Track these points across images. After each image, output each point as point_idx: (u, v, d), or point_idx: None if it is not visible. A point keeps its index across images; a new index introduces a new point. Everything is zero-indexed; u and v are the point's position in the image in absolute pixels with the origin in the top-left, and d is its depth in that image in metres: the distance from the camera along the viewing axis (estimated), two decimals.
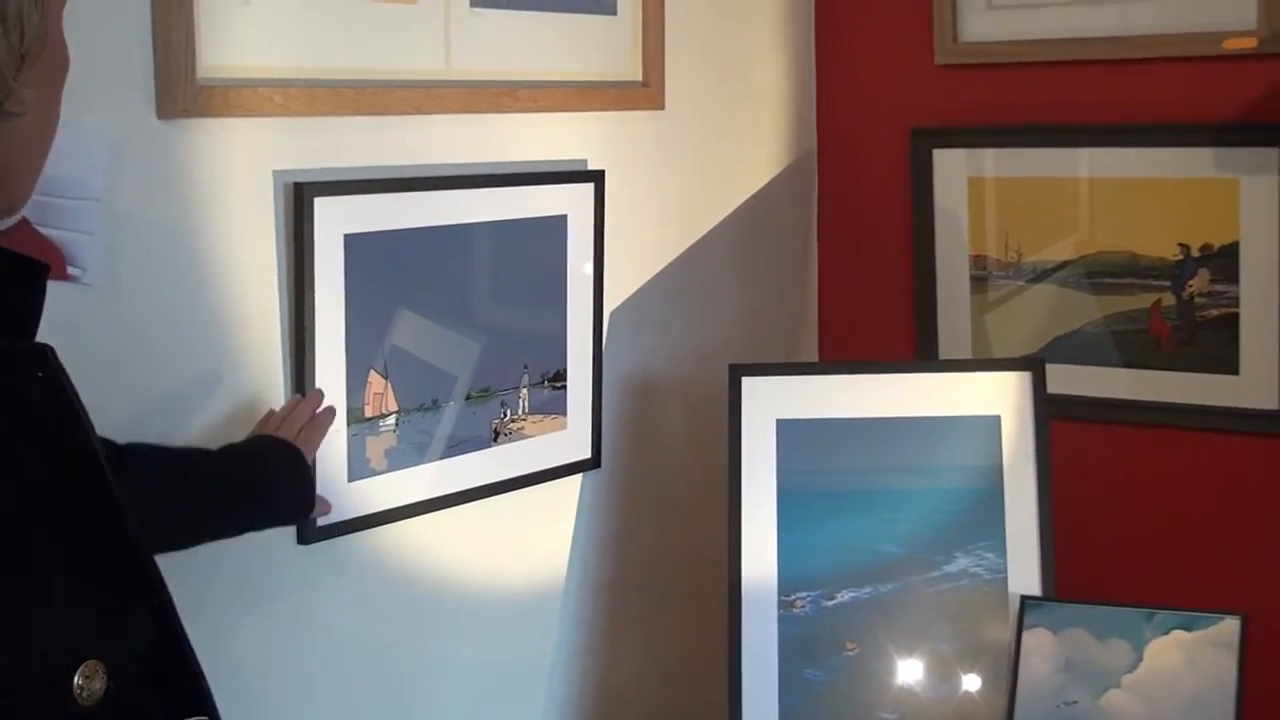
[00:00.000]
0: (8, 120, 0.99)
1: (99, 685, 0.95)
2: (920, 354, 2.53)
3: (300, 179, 1.83)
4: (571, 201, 2.17)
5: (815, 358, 2.66)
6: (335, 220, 1.86)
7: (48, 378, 0.98)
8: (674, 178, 2.38)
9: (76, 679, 0.95)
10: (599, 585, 2.31)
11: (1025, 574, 2.11)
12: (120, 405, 1.66)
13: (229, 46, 1.75)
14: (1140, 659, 2.00)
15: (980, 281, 2.49)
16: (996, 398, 2.16)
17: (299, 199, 1.83)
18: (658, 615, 2.41)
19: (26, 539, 0.92)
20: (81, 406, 1.01)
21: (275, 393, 1.84)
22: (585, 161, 2.21)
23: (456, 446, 2.05)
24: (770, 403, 2.17)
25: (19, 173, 1.02)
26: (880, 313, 2.60)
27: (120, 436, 1.59)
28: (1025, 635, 2.05)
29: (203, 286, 1.77)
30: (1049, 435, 2.14)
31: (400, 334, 1.97)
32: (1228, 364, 2.29)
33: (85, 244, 1.62)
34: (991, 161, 2.47)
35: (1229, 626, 1.97)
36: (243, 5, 1.76)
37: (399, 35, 1.94)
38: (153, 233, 1.71)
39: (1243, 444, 2.28)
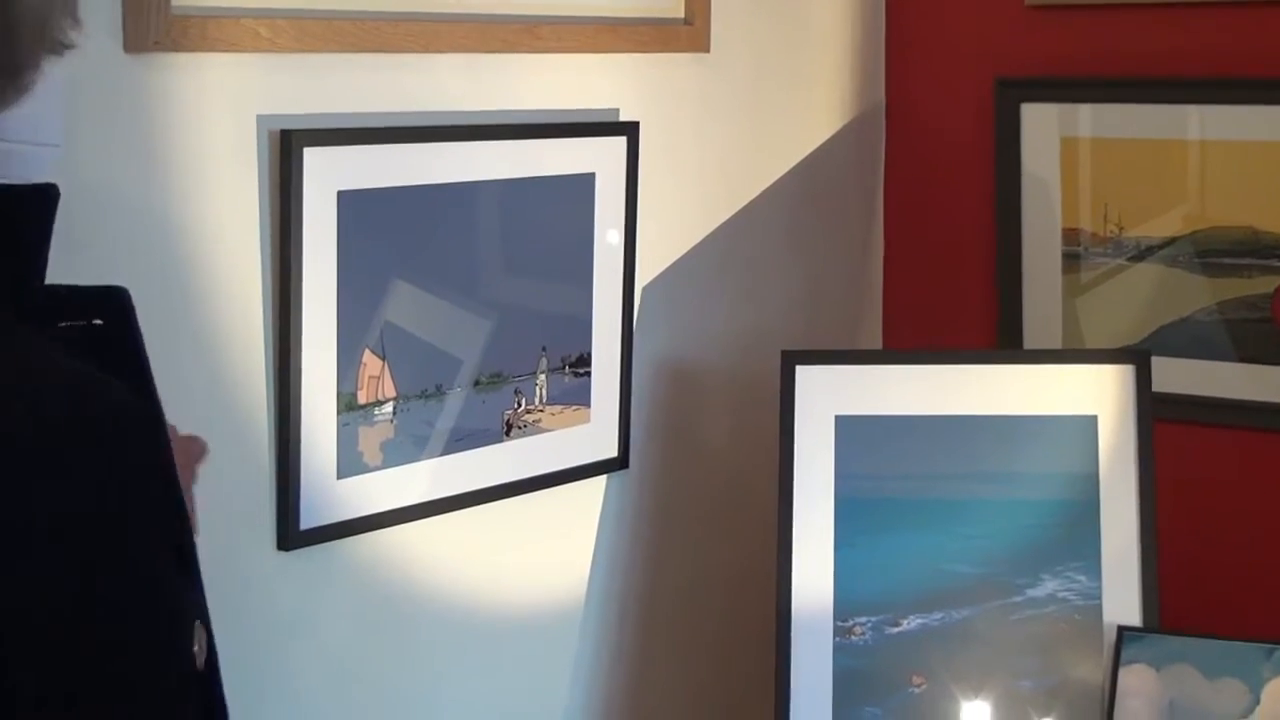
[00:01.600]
0: None
1: (201, 648, 1.10)
2: (1002, 343, 2.53)
3: (288, 125, 1.83)
4: (600, 158, 2.17)
5: (879, 344, 2.67)
6: (327, 174, 1.87)
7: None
8: (719, 132, 2.38)
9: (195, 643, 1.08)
10: (625, 604, 2.31)
11: (1123, 601, 2.11)
12: None
13: None
14: (1257, 702, 2.01)
15: (1073, 259, 2.49)
16: (1092, 395, 2.16)
17: (286, 148, 1.83)
18: (692, 640, 2.41)
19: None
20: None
21: (255, 372, 1.85)
22: (617, 111, 2.22)
23: (463, 440, 2.05)
24: (828, 396, 2.17)
25: None
26: (956, 294, 2.60)
27: None
28: (1122, 673, 2.05)
29: (173, 247, 1.77)
30: (1153, 439, 2.14)
31: (398, 310, 1.97)
32: None
33: None
34: (1089, 119, 2.47)
35: None
36: None
37: None
38: (118, 184, 1.71)
39: None
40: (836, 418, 2.17)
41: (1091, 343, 2.46)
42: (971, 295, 2.57)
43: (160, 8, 1.70)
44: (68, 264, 1.65)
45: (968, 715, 2.11)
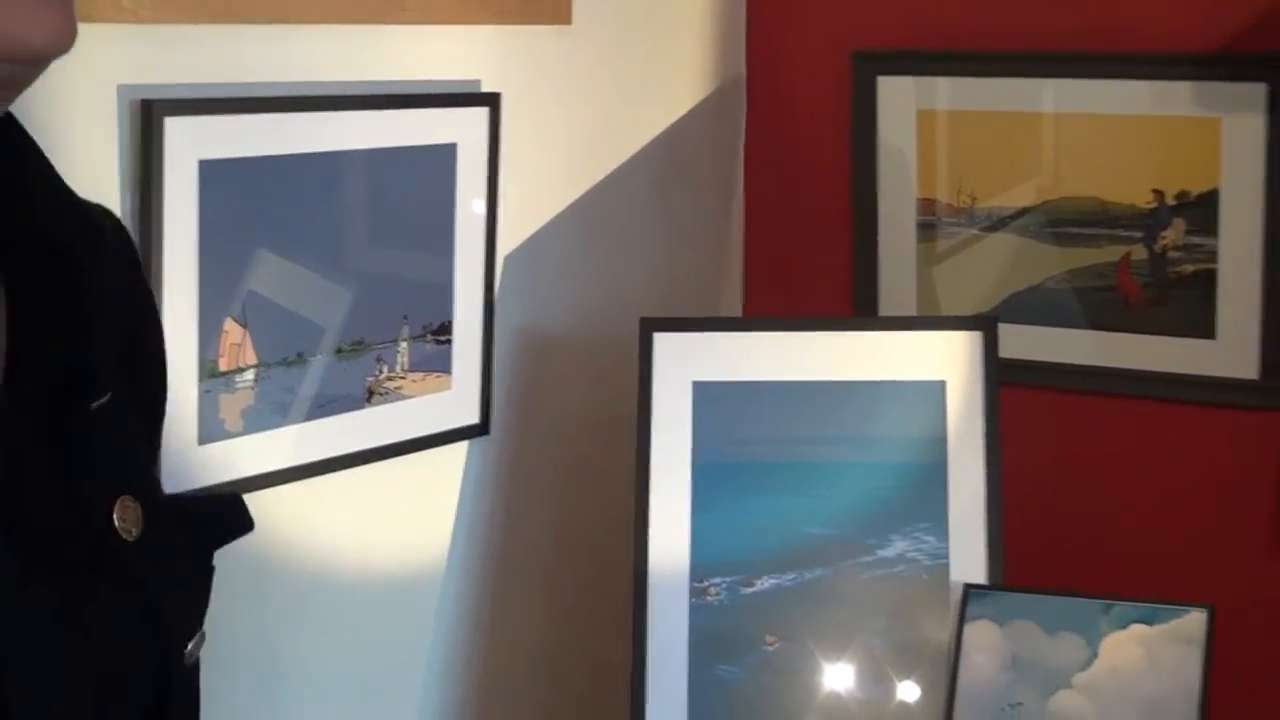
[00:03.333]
0: None
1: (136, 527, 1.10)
2: (859, 310, 2.59)
3: (149, 95, 1.85)
4: (462, 128, 2.21)
5: (739, 312, 2.72)
6: (189, 144, 1.88)
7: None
8: (581, 103, 2.42)
9: (116, 513, 1.08)
10: (486, 568, 2.35)
11: (969, 560, 2.17)
12: None
13: None
14: (1095, 655, 2.07)
15: (928, 229, 2.55)
16: (941, 361, 2.22)
17: (147, 118, 1.84)
18: (553, 602, 2.46)
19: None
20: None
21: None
22: (479, 83, 2.25)
23: (325, 407, 2.08)
24: (686, 362, 2.22)
25: None
26: (814, 262, 2.65)
27: None
28: (967, 629, 2.12)
29: None
30: (999, 404, 2.21)
31: (260, 278, 2.00)
32: (1203, 327, 2.37)
33: None
34: (943, 92, 2.53)
35: (1195, 620, 2.05)
36: None
37: None
38: None
39: (1217, 417, 2.36)
40: (694, 383, 2.22)
41: (946, 310, 2.53)
42: (829, 264, 2.63)
43: None
44: None
45: (820, 672, 2.18)
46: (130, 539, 1.11)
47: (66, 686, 1.06)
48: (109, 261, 1.18)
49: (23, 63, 1.03)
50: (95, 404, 1.12)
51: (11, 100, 1.09)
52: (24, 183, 1.12)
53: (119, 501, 1.11)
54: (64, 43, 1.03)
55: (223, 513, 1.29)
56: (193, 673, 1.21)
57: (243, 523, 1.31)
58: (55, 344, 1.10)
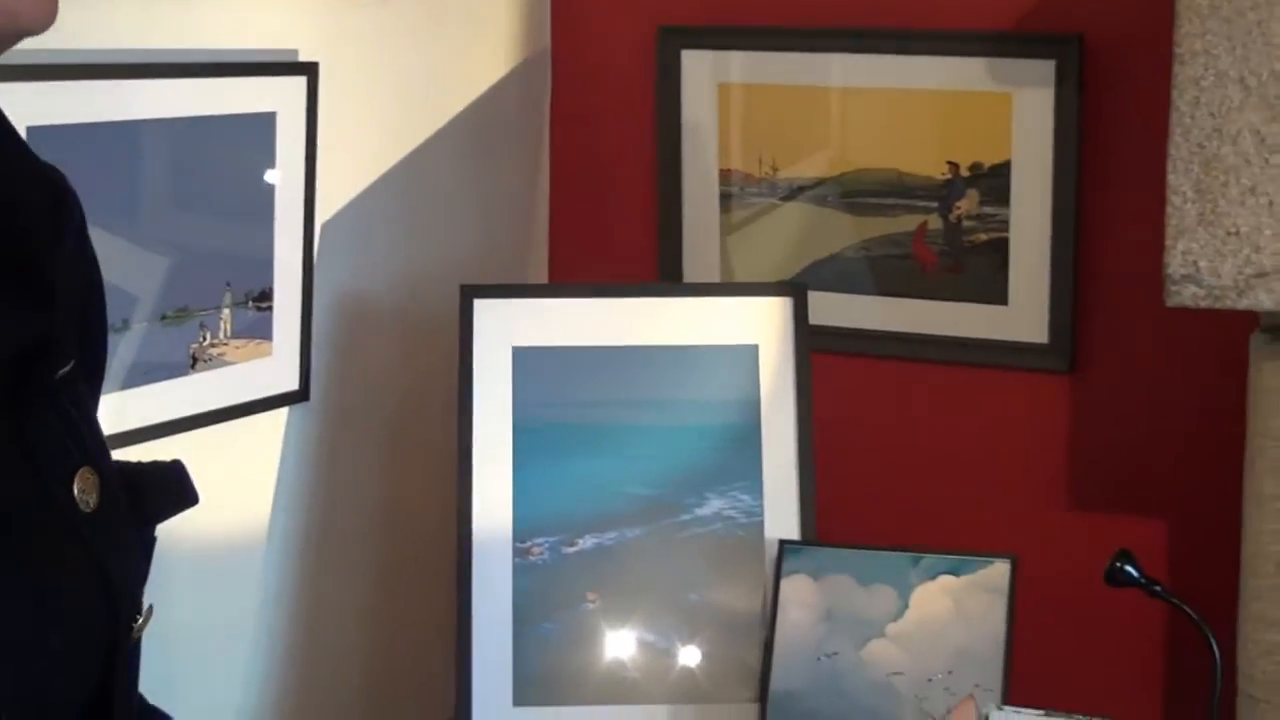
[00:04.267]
0: None
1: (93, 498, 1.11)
2: (663, 279, 2.64)
3: None
4: (280, 98, 2.21)
5: (545, 279, 2.75)
6: (10, 110, 1.86)
7: None
8: (396, 73, 2.44)
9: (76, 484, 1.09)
10: (307, 533, 2.37)
11: (783, 517, 2.25)
12: None
13: None
14: (906, 606, 2.16)
15: (729, 199, 2.61)
16: (753, 327, 2.29)
17: None
18: (377, 566, 2.48)
19: None
20: None
21: None
22: (296, 52, 2.26)
23: (148, 374, 2.08)
24: (505, 328, 2.27)
25: None
26: (620, 231, 2.70)
27: None
28: (783, 583, 2.19)
29: None
30: (810, 368, 2.28)
31: None
32: (996, 294, 2.46)
33: None
34: (741, 66, 2.59)
35: (999, 570, 2.15)
36: None
37: None
38: None
39: (1011, 379, 2.46)
40: (514, 349, 2.26)
41: (746, 278, 2.59)
42: (635, 233, 2.68)
43: None
44: None
45: (638, 628, 2.23)
46: (88, 510, 1.11)
47: (21, 659, 1.06)
48: (72, 227, 1.18)
49: (10, 39, 1.06)
50: (58, 373, 1.13)
51: None
52: None
53: (79, 473, 1.11)
54: (50, 20, 1.07)
55: (168, 484, 1.29)
56: (137, 647, 1.21)
57: (188, 495, 1.31)
58: (19, 312, 1.10)
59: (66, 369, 1.13)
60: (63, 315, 1.13)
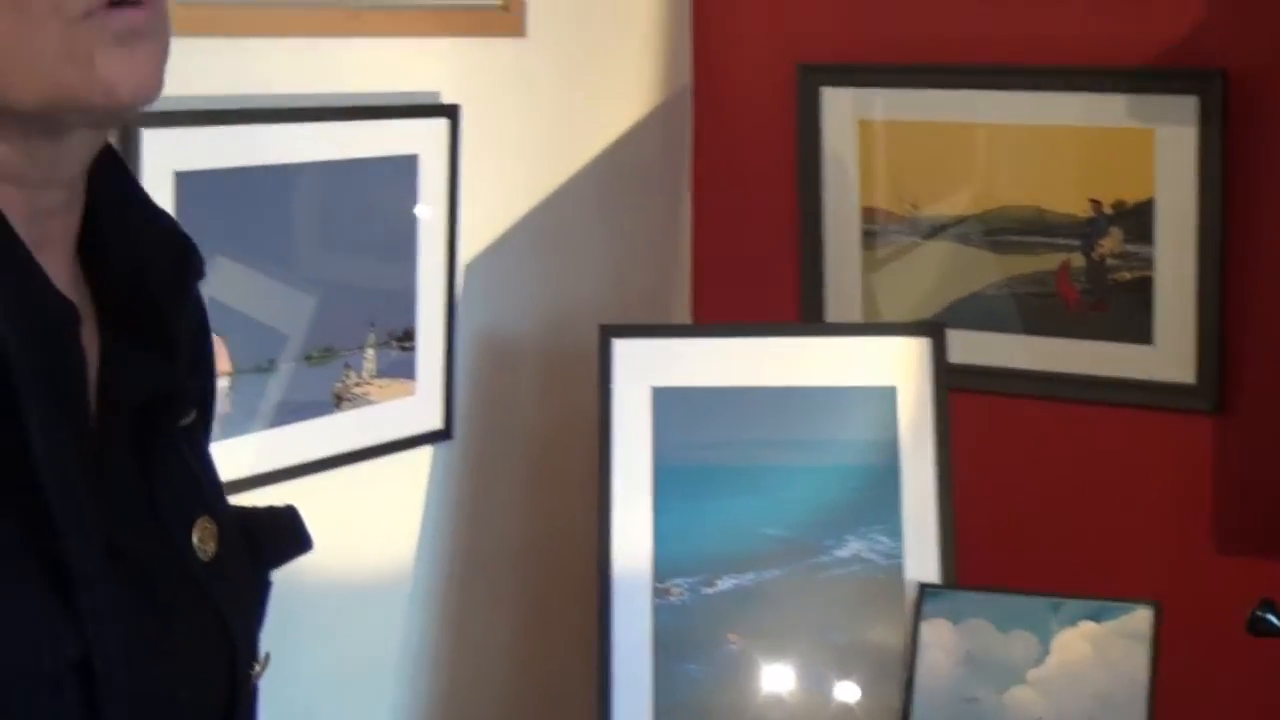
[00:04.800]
0: None
1: (212, 546, 1.12)
2: (805, 317, 2.63)
3: None
4: (422, 139, 2.24)
5: (688, 319, 2.75)
6: (165, 155, 1.91)
7: None
8: (537, 114, 2.45)
9: (195, 534, 1.10)
10: (452, 570, 2.38)
11: (923, 560, 2.23)
12: None
13: None
14: (1046, 652, 2.13)
15: (872, 237, 2.60)
16: (891, 366, 2.28)
17: (123, 130, 1.86)
18: (519, 604, 2.49)
19: None
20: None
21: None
22: (438, 94, 2.28)
23: (294, 413, 2.11)
24: (645, 368, 2.27)
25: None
26: (762, 269, 2.69)
27: None
28: (923, 626, 2.17)
29: None
30: (949, 408, 2.26)
31: (225, 286, 2.02)
32: (1141, 333, 2.43)
33: None
34: (884, 103, 2.58)
35: (1141, 617, 2.12)
36: None
37: None
38: None
39: (1156, 420, 2.41)
40: (653, 389, 2.26)
41: (889, 316, 2.57)
42: (776, 271, 2.67)
43: None
44: None
45: (780, 670, 2.22)
46: (206, 559, 1.13)
47: (152, 709, 1.08)
48: (195, 280, 1.19)
49: (114, 111, 1.07)
50: (181, 423, 1.15)
51: (106, 134, 1.12)
52: (118, 204, 1.14)
53: (198, 522, 1.13)
54: (151, 95, 1.07)
55: (283, 530, 1.30)
56: (254, 693, 1.22)
57: (303, 541, 1.32)
58: (146, 364, 1.12)
59: (189, 419, 1.15)
60: (184, 366, 1.16)
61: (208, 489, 1.18)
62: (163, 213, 1.20)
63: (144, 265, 1.14)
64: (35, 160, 1.07)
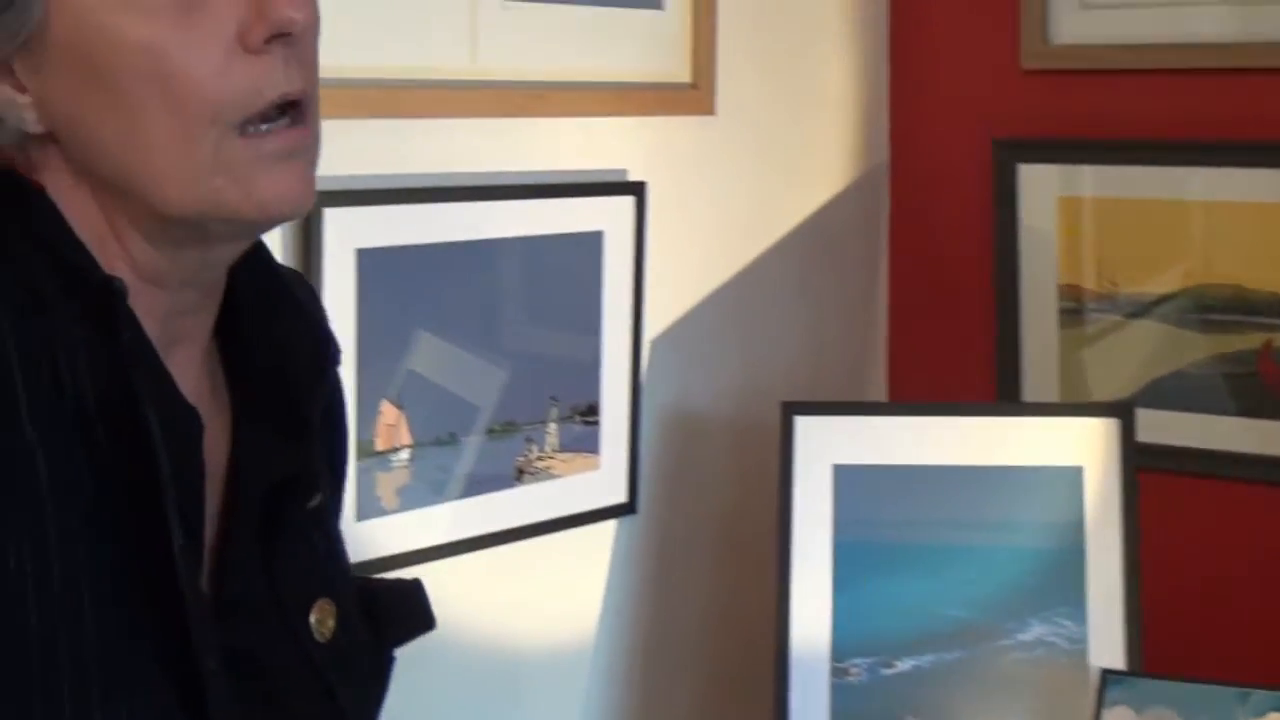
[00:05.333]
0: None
1: (329, 628, 1.13)
2: (1002, 395, 2.60)
3: None
4: (609, 216, 2.26)
5: (884, 396, 2.74)
6: (347, 233, 1.96)
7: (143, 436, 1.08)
8: (725, 191, 2.46)
9: (312, 615, 1.10)
10: (635, 644, 2.39)
11: (1108, 645, 2.17)
12: None
13: None
14: None
15: (1071, 315, 2.56)
16: (1079, 447, 2.23)
17: None
18: (700, 680, 2.48)
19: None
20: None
21: None
22: (625, 172, 2.30)
23: (476, 486, 2.14)
24: (826, 445, 2.25)
25: (157, 182, 1.07)
26: (959, 347, 2.67)
27: None
28: (1105, 714, 2.11)
29: None
30: (1138, 491, 2.20)
31: (419, 358, 2.06)
32: None
33: None
34: (1083, 179, 2.54)
35: None
36: None
37: (420, 29, 2.03)
38: None
39: None
40: (835, 467, 2.25)
41: (1087, 395, 2.53)
42: (973, 349, 2.64)
43: None
44: None
45: None
46: (324, 640, 1.14)
47: None
48: (333, 372, 1.21)
49: (264, 226, 1.10)
50: (310, 505, 1.16)
51: (250, 241, 1.15)
52: (260, 295, 1.17)
53: (317, 604, 1.14)
54: (302, 210, 1.10)
55: (407, 607, 1.31)
56: None
57: (426, 619, 1.32)
58: (276, 449, 1.14)
59: (316, 501, 1.17)
60: (314, 449, 1.17)
61: (330, 569, 1.19)
62: (303, 303, 1.22)
63: (284, 354, 1.16)
64: (178, 264, 1.09)
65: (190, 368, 1.12)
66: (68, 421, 1.01)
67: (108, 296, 1.04)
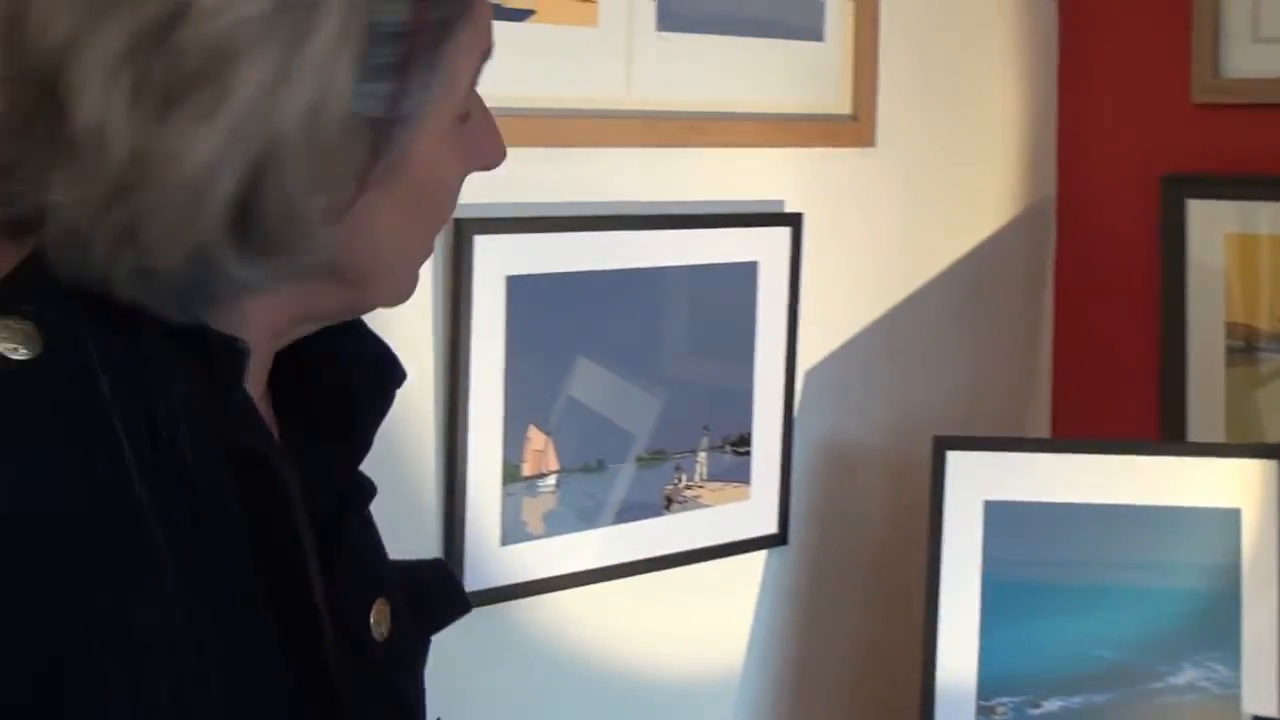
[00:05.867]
0: (300, 259, 1.06)
1: (385, 626, 1.14)
2: (1167, 434, 2.55)
3: (460, 214, 1.92)
4: (764, 247, 2.27)
5: (1046, 433, 2.70)
6: (497, 260, 1.98)
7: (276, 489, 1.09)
8: (883, 224, 2.45)
9: (371, 616, 1.13)
10: (782, 675, 2.39)
11: (1261, 691, 2.13)
12: None
13: None
14: None
15: (1238, 354, 2.51)
16: (1237, 489, 2.20)
17: (458, 236, 1.94)
18: (845, 713, 2.47)
19: (238, 684, 1.05)
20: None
21: (425, 446, 1.97)
22: (782, 203, 2.30)
23: (624, 513, 2.15)
24: (978, 481, 2.24)
25: (377, 275, 1.13)
26: (1122, 384, 2.63)
27: None
28: None
29: None
30: None
31: (576, 384, 2.08)
32: None
33: None
34: (1254, 215, 2.49)
35: None
36: None
37: (576, 60, 2.06)
38: None
39: None
40: (985, 503, 2.23)
41: (1260, 436, 2.48)
42: (1138, 386, 2.60)
43: None
44: None
45: None
46: (381, 640, 1.16)
47: None
48: (396, 389, 1.23)
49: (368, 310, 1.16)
50: (367, 507, 1.19)
51: None
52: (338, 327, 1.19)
53: (375, 604, 1.16)
54: (405, 299, 1.16)
55: (444, 591, 1.31)
56: None
57: (463, 603, 1.32)
58: (337, 459, 1.16)
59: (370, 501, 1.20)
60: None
61: (382, 568, 1.22)
62: (361, 323, 1.23)
63: (348, 373, 1.18)
64: (299, 330, 1.14)
65: (257, 386, 1.14)
66: (168, 473, 1.01)
67: (229, 355, 1.05)
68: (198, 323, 1.03)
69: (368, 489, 1.19)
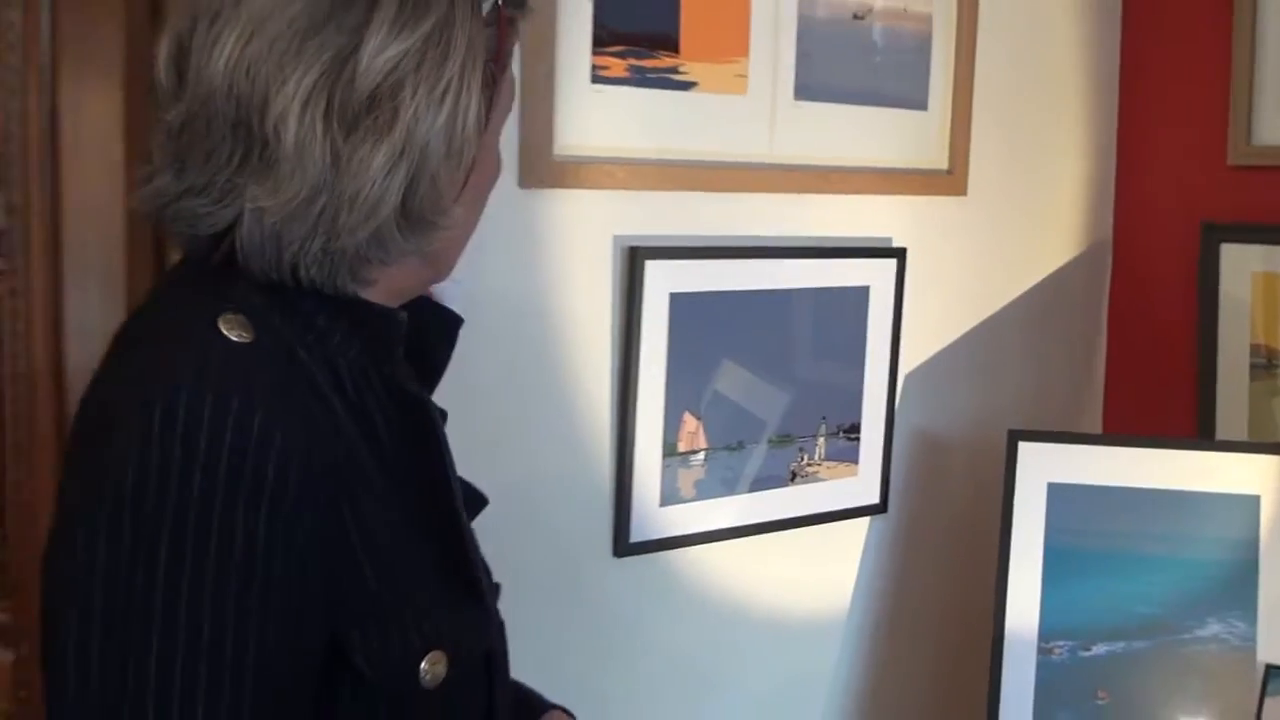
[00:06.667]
0: (439, 231, 1.11)
1: (441, 671, 1.09)
2: (1201, 433, 2.55)
3: (635, 243, 1.99)
4: (875, 275, 2.29)
5: (1099, 428, 2.69)
6: (662, 280, 2.02)
7: (430, 424, 1.14)
8: (971, 257, 2.47)
9: (423, 664, 1.09)
10: (879, 617, 2.41)
11: (1274, 644, 2.13)
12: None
13: (580, 128, 1.93)
14: None
15: (1260, 369, 2.50)
16: (1257, 478, 2.19)
17: (633, 260, 1.99)
18: (931, 649, 2.49)
19: (412, 544, 1.10)
20: (448, 451, 1.18)
21: (602, 426, 2.01)
22: (890, 239, 2.32)
23: (758, 484, 2.18)
24: (1043, 467, 2.24)
25: (447, 260, 1.17)
26: (1164, 392, 2.62)
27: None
28: (1268, 703, 2.07)
29: (548, 334, 1.93)
30: None
31: (722, 380, 2.12)
32: None
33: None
34: (1278, 258, 2.48)
35: None
36: (594, 94, 1.95)
37: (728, 122, 2.09)
38: (511, 287, 1.89)
39: None
40: (1049, 484, 2.24)
41: (1276, 436, 2.46)
42: (1177, 394, 2.60)
43: (545, 155, 1.89)
44: (479, 347, 1.85)
45: None
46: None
47: (504, 674, 1.19)
48: (456, 339, 1.26)
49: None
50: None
51: None
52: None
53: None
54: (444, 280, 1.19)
55: (470, 490, 1.27)
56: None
57: (482, 500, 1.30)
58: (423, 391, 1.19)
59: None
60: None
61: (467, 488, 1.23)
62: (436, 304, 1.27)
63: (420, 321, 1.20)
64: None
65: None
66: (358, 414, 1.08)
67: (392, 323, 1.11)
68: (356, 297, 1.09)
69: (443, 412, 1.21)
